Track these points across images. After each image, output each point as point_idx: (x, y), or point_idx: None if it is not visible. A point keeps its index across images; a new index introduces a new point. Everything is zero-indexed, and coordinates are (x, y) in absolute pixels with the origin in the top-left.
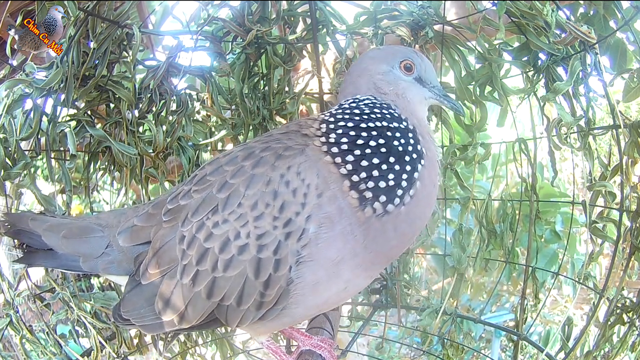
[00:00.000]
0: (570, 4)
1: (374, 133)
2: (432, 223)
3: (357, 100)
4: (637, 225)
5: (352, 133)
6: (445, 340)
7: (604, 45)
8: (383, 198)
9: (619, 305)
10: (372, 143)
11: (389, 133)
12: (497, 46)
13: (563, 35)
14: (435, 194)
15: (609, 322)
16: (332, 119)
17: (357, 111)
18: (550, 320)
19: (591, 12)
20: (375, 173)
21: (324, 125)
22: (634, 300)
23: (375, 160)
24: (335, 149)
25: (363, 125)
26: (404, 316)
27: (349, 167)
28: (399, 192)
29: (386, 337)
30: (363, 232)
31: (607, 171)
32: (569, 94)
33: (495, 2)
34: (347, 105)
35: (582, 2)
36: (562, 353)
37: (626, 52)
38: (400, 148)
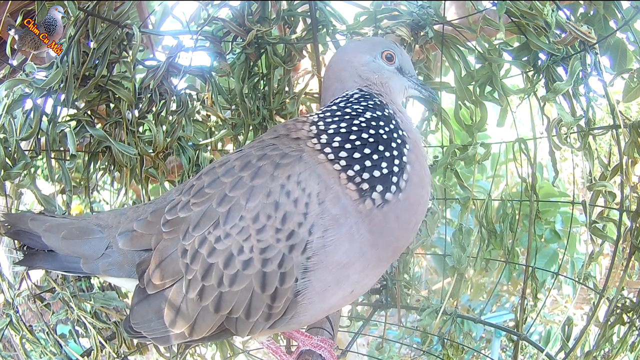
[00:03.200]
0: (570, 4)
1: (364, 125)
2: (432, 223)
3: (347, 96)
4: (637, 225)
5: (344, 130)
6: (445, 340)
7: (604, 45)
8: (380, 187)
9: (619, 305)
10: (364, 135)
11: (373, 123)
12: (497, 46)
13: (563, 35)
14: (427, 177)
15: (609, 322)
16: (321, 122)
17: (348, 110)
18: (550, 320)
19: (591, 12)
20: (368, 163)
21: (313, 127)
22: (634, 300)
23: (367, 151)
24: (328, 149)
25: (356, 121)
26: (404, 316)
27: (343, 162)
28: (394, 178)
29: (386, 337)
30: (367, 226)
31: (607, 171)
32: (569, 94)
33: (495, 2)
34: (337, 105)
35: (582, 2)
36: (562, 353)
37: (626, 52)
38: (385, 136)
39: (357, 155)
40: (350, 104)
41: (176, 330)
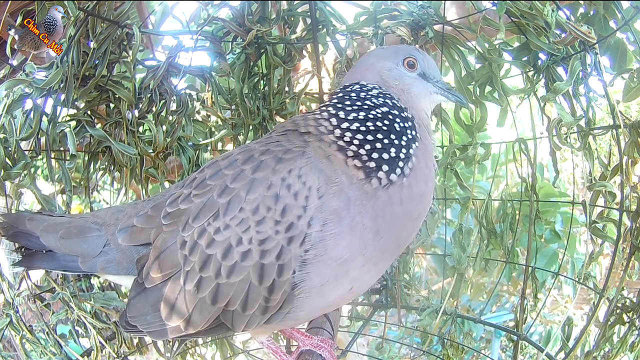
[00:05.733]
0: (570, 4)
1: (380, 116)
2: (432, 223)
3: (362, 85)
4: (637, 225)
5: (362, 118)
6: (445, 340)
7: (604, 45)
8: (385, 167)
9: (619, 305)
10: (379, 124)
11: (389, 116)
12: (497, 46)
13: (563, 35)
14: (432, 178)
15: (609, 322)
16: (342, 112)
17: (367, 102)
18: (550, 320)
19: (591, 12)
20: (379, 145)
21: (333, 120)
22: (634, 300)
23: (379, 136)
24: (346, 137)
25: (373, 112)
26: (404, 316)
27: (354, 147)
28: (400, 163)
29: (386, 337)
30: (372, 210)
31: (607, 171)
32: (569, 94)
33: (495, 2)
34: (356, 96)
35: (582, 2)
36: (562, 353)
37: (626, 52)
38: (397, 128)
39: (369, 137)
40: (369, 98)
41: (172, 324)
